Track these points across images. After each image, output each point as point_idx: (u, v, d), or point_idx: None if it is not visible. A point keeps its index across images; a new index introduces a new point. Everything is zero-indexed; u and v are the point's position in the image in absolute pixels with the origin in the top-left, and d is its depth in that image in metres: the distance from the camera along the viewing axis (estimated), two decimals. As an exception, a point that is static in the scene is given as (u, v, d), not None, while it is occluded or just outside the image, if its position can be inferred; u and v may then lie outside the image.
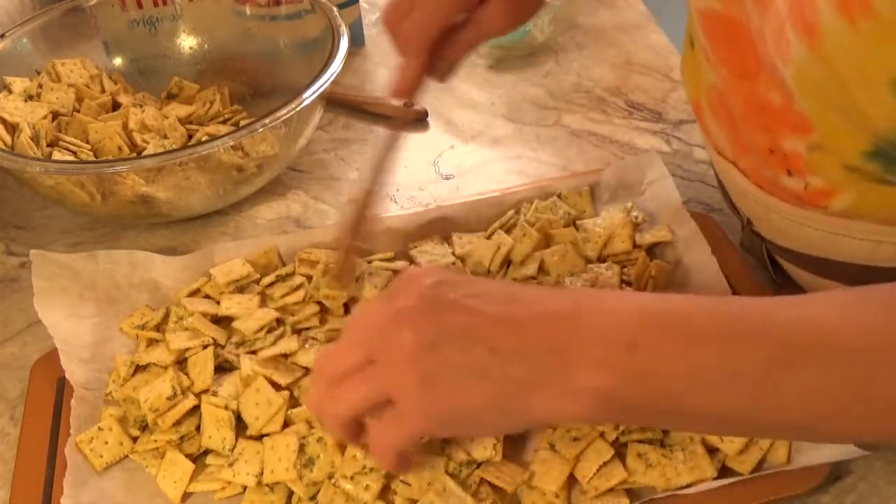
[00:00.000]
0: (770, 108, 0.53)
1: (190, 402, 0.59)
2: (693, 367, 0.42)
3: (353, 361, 0.47)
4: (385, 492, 0.54)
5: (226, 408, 0.59)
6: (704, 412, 0.43)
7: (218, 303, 0.67)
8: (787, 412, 0.42)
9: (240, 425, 0.59)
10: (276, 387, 0.60)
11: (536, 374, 0.43)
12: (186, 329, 0.65)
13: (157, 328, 0.66)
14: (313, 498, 0.55)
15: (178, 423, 0.59)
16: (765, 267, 0.67)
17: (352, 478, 0.54)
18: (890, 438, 0.51)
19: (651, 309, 0.44)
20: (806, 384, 0.41)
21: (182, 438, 0.59)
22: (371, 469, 0.54)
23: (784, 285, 0.66)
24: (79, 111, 0.84)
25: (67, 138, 0.80)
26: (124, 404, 0.61)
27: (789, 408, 0.42)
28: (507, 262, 0.68)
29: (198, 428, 0.60)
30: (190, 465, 0.57)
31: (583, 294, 0.47)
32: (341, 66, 0.77)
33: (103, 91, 0.88)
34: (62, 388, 0.62)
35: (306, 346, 0.63)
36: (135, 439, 0.60)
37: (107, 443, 0.59)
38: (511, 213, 0.72)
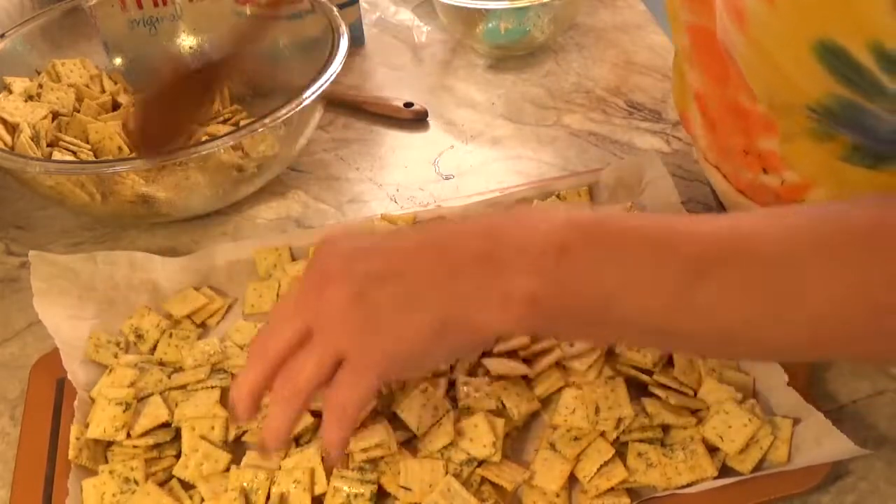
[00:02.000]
0: (743, 111, 0.54)
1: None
2: (619, 272, 0.43)
3: (289, 336, 0.46)
4: (385, 496, 0.54)
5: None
6: (628, 319, 0.43)
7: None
8: (708, 319, 0.42)
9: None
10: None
11: (469, 287, 0.44)
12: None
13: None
14: None
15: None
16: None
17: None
18: (804, 354, 0.50)
19: (578, 218, 0.44)
20: (725, 289, 0.41)
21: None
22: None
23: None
24: (79, 111, 0.84)
25: (67, 138, 0.80)
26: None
27: (709, 314, 0.42)
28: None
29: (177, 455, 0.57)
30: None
31: (502, 213, 0.48)
32: (341, 66, 0.77)
33: (103, 91, 0.88)
34: (62, 388, 0.62)
35: None
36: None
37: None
38: (511, 212, 0.72)
